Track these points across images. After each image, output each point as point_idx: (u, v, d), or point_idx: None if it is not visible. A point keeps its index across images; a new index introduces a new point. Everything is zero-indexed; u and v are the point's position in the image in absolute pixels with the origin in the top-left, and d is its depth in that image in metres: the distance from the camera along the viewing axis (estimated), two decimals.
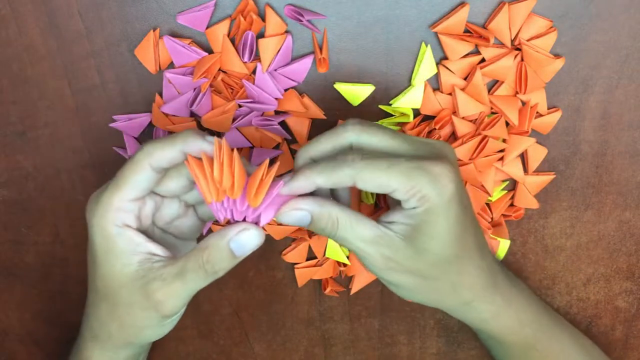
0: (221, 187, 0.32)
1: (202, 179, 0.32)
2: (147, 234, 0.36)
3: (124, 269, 0.35)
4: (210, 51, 0.41)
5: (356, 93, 0.42)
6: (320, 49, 0.41)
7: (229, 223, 0.34)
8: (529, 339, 0.42)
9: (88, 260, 0.37)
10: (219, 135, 0.43)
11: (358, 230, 0.34)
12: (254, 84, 0.41)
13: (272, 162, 0.44)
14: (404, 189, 0.33)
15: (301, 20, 0.39)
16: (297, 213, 0.34)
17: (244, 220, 0.34)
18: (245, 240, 0.34)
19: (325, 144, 0.36)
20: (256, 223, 0.34)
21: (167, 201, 0.37)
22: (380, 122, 0.42)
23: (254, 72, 0.41)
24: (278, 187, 0.33)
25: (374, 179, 0.33)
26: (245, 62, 0.40)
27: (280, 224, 0.45)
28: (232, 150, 0.32)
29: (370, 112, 0.43)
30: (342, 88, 0.42)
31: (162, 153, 0.34)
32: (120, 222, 0.34)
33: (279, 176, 0.35)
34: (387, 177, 0.33)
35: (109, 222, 0.34)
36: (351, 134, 0.35)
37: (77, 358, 0.42)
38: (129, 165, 0.34)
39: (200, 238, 0.43)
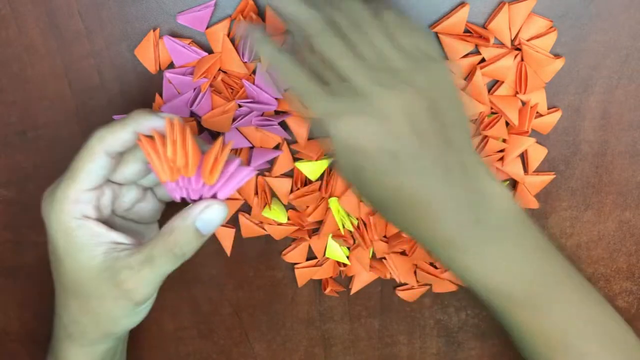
0: (175, 165, 0.31)
1: (156, 158, 0.32)
2: (108, 223, 0.35)
3: (89, 261, 0.34)
4: (210, 51, 0.41)
5: None
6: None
7: (184, 202, 0.33)
8: (534, 298, 0.35)
9: (50, 259, 0.36)
10: (217, 134, 0.43)
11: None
12: (253, 83, 0.41)
13: (271, 162, 0.44)
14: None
15: None
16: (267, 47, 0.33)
17: (200, 198, 0.33)
18: (211, 216, 0.33)
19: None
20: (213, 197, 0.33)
21: (125, 188, 0.36)
22: None
23: (254, 72, 0.41)
24: (234, 164, 0.32)
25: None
26: (246, 62, 0.40)
27: (280, 224, 0.45)
28: (185, 127, 0.31)
29: None
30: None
31: (115, 136, 0.33)
32: (79, 214, 0.33)
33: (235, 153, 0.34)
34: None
35: (67, 216, 0.33)
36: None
37: None
38: (82, 154, 0.33)
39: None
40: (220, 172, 0.32)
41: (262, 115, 0.42)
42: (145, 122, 0.33)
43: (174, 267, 0.34)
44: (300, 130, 0.42)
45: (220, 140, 0.32)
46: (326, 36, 0.32)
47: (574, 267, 0.38)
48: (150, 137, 0.32)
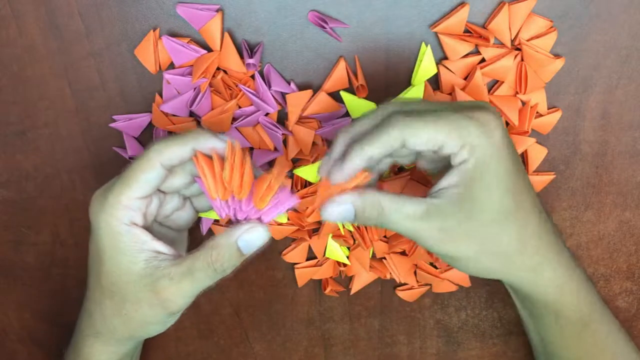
0: (229, 186, 0.33)
1: (210, 176, 0.33)
2: (149, 230, 0.36)
3: (130, 266, 0.35)
4: (209, 49, 0.41)
5: (359, 107, 0.42)
6: (356, 75, 0.41)
7: (229, 220, 0.35)
8: (585, 318, 0.40)
9: (91, 258, 0.37)
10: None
11: (404, 210, 0.33)
12: (252, 87, 0.41)
13: (270, 164, 0.44)
14: (453, 139, 0.32)
15: (325, 27, 0.40)
16: (339, 208, 0.33)
17: (246, 219, 0.34)
18: (253, 238, 0.34)
19: (367, 124, 0.34)
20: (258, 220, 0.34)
21: (169, 196, 0.38)
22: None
23: (252, 76, 0.41)
24: (285, 192, 0.34)
25: (423, 134, 0.32)
26: (249, 63, 0.40)
27: (280, 224, 0.45)
28: (244, 152, 0.33)
29: None
30: (347, 97, 0.42)
31: (174, 151, 0.34)
32: (128, 220, 0.35)
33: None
34: (435, 129, 0.32)
35: (116, 220, 0.35)
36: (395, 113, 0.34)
37: (76, 356, 0.42)
38: (139, 163, 0.34)
39: (196, 235, 0.43)
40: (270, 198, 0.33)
41: (267, 115, 0.42)
42: (206, 142, 0.34)
43: (212, 281, 0.35)
44: (306, 139, 0.42)
45: (276, 168, 0.33)
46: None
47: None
48: (206, 156, 0.34)
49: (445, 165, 0.35)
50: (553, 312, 0.40)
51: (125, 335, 0.39)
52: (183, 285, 0.35)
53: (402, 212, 0.34)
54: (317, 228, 0.46)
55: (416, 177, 0.43)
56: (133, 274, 0.35)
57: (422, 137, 0.32)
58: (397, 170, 0.44)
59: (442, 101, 0.35)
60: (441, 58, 0.42)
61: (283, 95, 0.42)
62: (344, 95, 0.42)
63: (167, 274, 0.35)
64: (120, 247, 0.35)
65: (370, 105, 0.42)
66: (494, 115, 0.33)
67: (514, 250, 0.36)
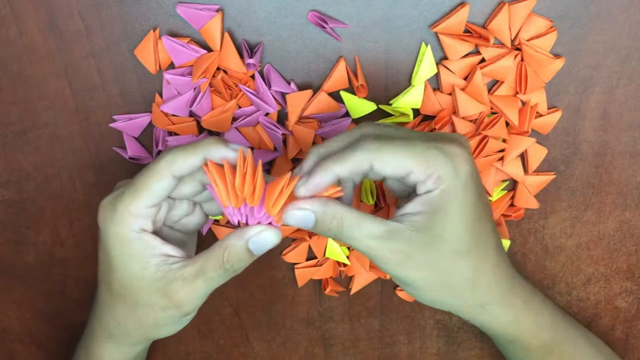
0: (242, 194, 0.33)
1: (222, 185, 0.33)
2: (159, 234, 0.37)
3: (142, 272, 0.35)
4: (209, 49, 0.41)
5: (359, 106, 0.42)
6: (356, 75, 0.41)
7: (228, 221, 0.35)
8: (547, 342, 0.42)
9: (101, 264, 0.38)
10: (217, 134, 0.43)
11: (365, 228, 0.34)
12: (252, 87, 0.41)
13: (270, 163, 0.44)
14: (420, 168, 0.33)
15: (325, 27, 0.40)
16: (300, 213, 0.34)
17: (258, 224, 0.35)
18: (264, 240, 0.34)
19: (339, 143, 0.35)
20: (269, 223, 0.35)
21: (178, 202, 0.38)
22: (379, 122, 0.42)
23: (252, 76, 0.41)
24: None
25: (391, 160, 0.33)
26: (249, 63, 0.40)
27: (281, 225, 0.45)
28: (257, 162, 0.33)
29: (370, 113, 0.43)
30: (347, 97, 0.42)
31: (185, 162, 0.34)
32: (138, 227, 0.35)
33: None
34: (404, 156, 0.33)
35: (126, 228, 0.35)
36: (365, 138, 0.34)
37: (87, 357, 0.42)
38: (149, 173, 0.34)
39: (197, 235, 0.43)
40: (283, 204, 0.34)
41: (267, 115, 0.42)
42: (217, 152, 0.34)
43: (223, 281, 0.36)
44: (305, 139, 0.42)
45: (288, 175, 0.33)
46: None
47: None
48: (217, 164, 0.34)
49: (411, 189, 0.35)
50: (512, 342, 0.42)
51: (139, 337, 0.39)
52: (196, 286, 0.35)
53: (361, 229, 0.34)
54: None
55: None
56: (145, 279, 0.35)
57: (390, 164, 0.33)
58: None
59: (416, 130, 0.36)
60: (441, 58, 0.42)
61: (283, 95, 0.42)
62: (344, 95, 0.42)
63: (179, 276, 0.35)
64: (131, 254, 0.35)
65: (371, 105, 0.42)
66: (463, 149, 0.34)
67: (465, 286, 0.36)
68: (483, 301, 0.38)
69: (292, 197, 0.34)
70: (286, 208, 0.34)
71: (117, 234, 0.35)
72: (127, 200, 0.35)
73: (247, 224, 0.35)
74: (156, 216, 0.36)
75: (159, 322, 0.38)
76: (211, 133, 0.43)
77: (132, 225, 0.35)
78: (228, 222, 0.45)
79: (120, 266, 0.36)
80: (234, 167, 0.33)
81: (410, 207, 0.34)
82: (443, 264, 0.35)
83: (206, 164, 0.34)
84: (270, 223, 0.34)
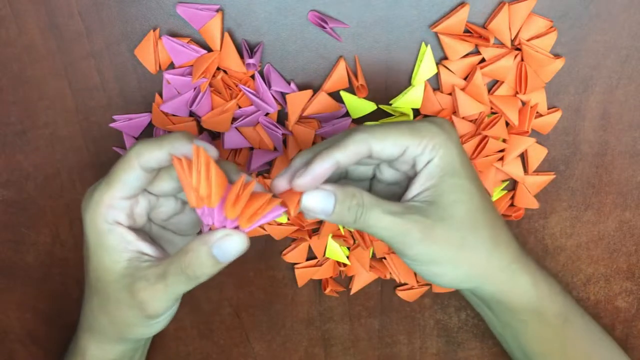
0: (198, 195, 0.31)
1: (186, 183, 0.32)
2: (143, 231, 0.36)
3: (113, 265, 0.35)
4: (208, 49, 0.41)
5: (359, 107, 0.42)
6: (356, 75, 0.41)
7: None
8: (563, 311, 0.41)
9: (83, 254, 0.37)
10: (217, 134, 0.43)
11: (384, 205, 0.34)
12: (252, 87, 0.41)
13: (270, 164, 0.44)
14: (415, 141, 0.33)
15: (325, 27, 0.40)
16: (320, 193, 0.33)
17: (224, 227, 0.32)
18: (228, 246, 0.32)
19: (331, 141, 0.35)
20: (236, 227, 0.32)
21: (163, 199, 0.37)
22: (380, 121, 0.42)
23: (252, 76, 0.41)
24: (270, 205, 0.32)
25: (387, 138, 0.33)
26: (249, 63, 0.40)
27: (280, 224, 0.45)
28: (209, 158, 0.31)
29: (370, 113, 0.43)
30: (347, 97, 0.42)
31: (151, 154, 0.33)
32: (111, 219, 0.35)
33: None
34: (398, 132, 0.33)
35: (100, 218, 0.34)
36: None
37: (74, 347, 0.42)
38: (120, 164, 0.34)
39: None
40: (244, 208, 0.32)
41: (267, 115, 0.42)
42: (180, 147, 0.33)
43: (186, 288, 0.34)
44: (306, 139, 0.42)
45: (242, 177, 0.32)
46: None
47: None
48: (188, 160, 0.33)
49: (406, 179, 0.36)
50: (533, 312, 0.40)
51: (112, 335, 0.38)
52: (157, 289, 0.34)
53: (382, 207, 0.34)
54: (317, 228, 0.46)
55: None
56: (115, 272, 0.35)
57: (387, 142, 0.33)
58: None
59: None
60: (441, 58, 0.42)
61: (283, 95, 0.42)
62: (344, 95, 0.42)
63: (144, 276, 0.34)
64: (104, 245, 0.35)
65: (371, 105, 0.42)
66: (447, 121, 0.35)
67: (488, 252, 0.36)
68: (505, 261, 0.37)
69: (258, 201, 0.32)
70: (304, 194, 0.32)
71: (92, 223, 0.35)
72: (100, 189, 0.34)
73: (215, 228, 0.33)
74: (133, 210, 0.35)
75: (127, 321, 0.36)
76: (211, 133, 0.43)
77: (106, 215, 0.34)
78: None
79: (94, 256, 0.35)
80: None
81: (416, 186, 0.35)
82: (461, 234, 0.35)
83: (174, 162, 0.33)
84: (237, 227, 0.32)
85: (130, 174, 0.34)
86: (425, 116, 0.42)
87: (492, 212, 0.37)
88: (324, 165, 0.33)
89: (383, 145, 0.33)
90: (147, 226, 0.37)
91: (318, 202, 0.33)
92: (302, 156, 0.35)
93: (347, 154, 0.33)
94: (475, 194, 0.35)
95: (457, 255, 0.35)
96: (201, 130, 0.43)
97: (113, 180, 0.34)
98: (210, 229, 0.33)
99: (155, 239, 0.38)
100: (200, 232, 0.44)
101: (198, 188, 0.31)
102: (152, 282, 0.34)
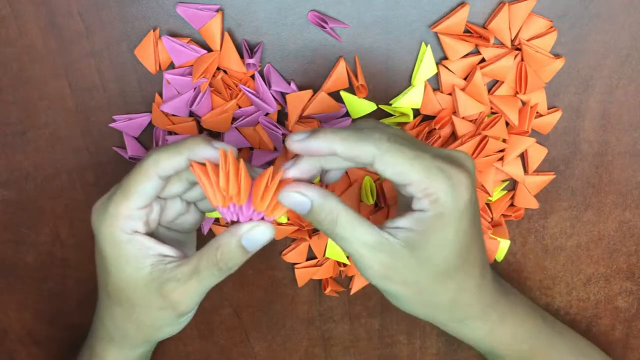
0: (227, 194, 0.33)
1: (208, 185, 0.33)
2: (154, 235, 0.37)
3: (136, 273, 0.35)
4: (209, 49, 0.41)
5: (359, 107, 0.42)
6: (356, 75, 0.41)
7: (233, 222, 0.35)
8: (525, 354, 0.42)
9: (98, 268, 0.38)
10: (217, 134, 0.43)
11: (358, 232, 0.33)
12: (252, 87, 0.41)
13: (270, 164, 0.44)
14: (420, 185, 0.32)
15: (325, 27, 0.40)
16: (298, 197, 0.33)
17: (251, 220, 0.34)
18: (257, 236, 0.34)
19: (349, 130, 0.34)
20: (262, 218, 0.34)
21: (170, 201, 0.38)
22: (390, 121, 0.42)
23: (252, 76, 0.41)
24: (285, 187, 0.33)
25: (395, 165, 0.32)
26: (249, 63, 0.40)
27: (280, 224, 0.45)
28: (238, 159, 0.33)
29: (370, 113, 0.43)
30: (347, 97, 0.42)
31: (169, 162, 0.34)
32: (130, 229, 0.35)
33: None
34: (410, 167, 0.31)
35: (118, 230, 0.35)
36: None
37: (90, 355, 0.42)
38: (136, 174, 0.34)
39: (197, 235, 0.43)
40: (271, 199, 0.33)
41: (267, 115, 0.42)
42: (200, 152, 0.33)
43: (218, 280, 0.35)
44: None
45: (270, 168, 0.33)
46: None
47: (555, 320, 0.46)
48: (203, 164, 0.33)
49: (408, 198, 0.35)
50: (489, 353, 0.42)
51: (139, 339, 0.39)
52: (190, 286, 0.35)
53: (354, 233, 0.33)
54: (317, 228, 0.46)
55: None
56: (140, 280, 0.35)
57: (392, 168, 0.32)
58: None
59: (426, 144, 0.35)
60: (441, 58, 0.42)
61: (283, 95, 0.42)
62: (344, 95, 0.42)
63: (173, 276, 0.35)
64: (124, 256, 0.35)
65: (371, 105, 0.42)
66: (468, 175, 0.33)
67: (446, 305, 0.37)
68: (462, 317, 0.38)
69: (282, 188, 0.33)
70: (284, 188, 0.33)
71: (110, 236, 0.35)
72: (116, 202, 0.34)
73: (239, 222, 0.34)
74: (149, 217, 0.36)
75: (157, 324, 0.37)
76: (211, 133, 0.43)
77: (124, 226, 0.35)
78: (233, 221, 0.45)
79: (115, 269, 0.35)
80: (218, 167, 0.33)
81: (403, 222, 0.33)
82: (428, 284, 0.35)
83: (192, 165, 0.33)
84: (262, 218, 0.34)
85: (147, 184, 0.34)
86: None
87: (468, 265, 0.36)
88: (321, 145, 0.32)
89: (386, 170, 0.32)
90: (156, 229, 0.38)
91: (292, 204, 0.33)
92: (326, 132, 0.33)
93: (348, 151, 0.32)
94: (456, 253, 0.34)
95: (416, 300, 0.36)
96: (201, 130, 0.43)
97: (129, 191, 0.34)
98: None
99: (162, 240, 0.38)
100: (199, 229, 0.44)
101: (227, 188, 0.32)
102: (183, 281, 0.35)
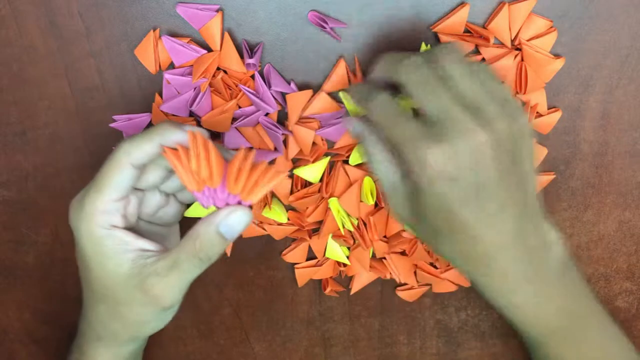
0: (199, 177, 0.32)
1: (182, 169, 0.33)
2: (134, 230, 0.36)
3: (117, 269, 0.35)
4: (209, 49, 0.41)
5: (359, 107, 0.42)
6: (356, 75, 0.41)
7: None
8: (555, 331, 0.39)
9: (79, 265, 0.37)
10: (217, 134, 0.43)
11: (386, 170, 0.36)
12: (252, 87, 0.41)
13: (270, 163, 0.44)
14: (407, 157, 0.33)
15: (325, 27, 0.40)
16: (358, 126, 0.37)
17: (227, 205, 0.34)
18: (234, 222, 0.33)
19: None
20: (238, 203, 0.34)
21: (149, 194, 0.37)
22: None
23: (252, 76, 0.41)
24: (258, 170, 0.33)
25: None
26: (249, 63, 0.40)
27: (280, 224, 0.45)
28: (207, 140, 0.32)
29: None
30: (347, 97, 0.42)
31: (141, 150, 0.34)
32: (107, 224, 0.34)
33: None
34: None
35: (95, 226, 0.34)
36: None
37: (79, 356, 0.42)
38: (108, 166, 0.34)
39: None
40: (245, 180, 0.33)
41: (267, 115, 0.42)
42: (170, 136, 0.33)
43: (200, 271, 0.35)
44: (305, 139, 0.42)
45: (242, 150, 0.32)
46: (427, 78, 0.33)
47: (600, 306, 0.41)
48: (175, 149, 0.33)
49: None
50: (538, 332, 0.39)
51: (126, 336, 0.39)
52: (171, 279, 0.34)
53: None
54: (317, 228, 0.46)
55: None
56: (121, 276, 0.35)
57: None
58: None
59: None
60: None
61: (283, 95, 0.42)
62: (343, 95, 0.42)
63: (154, 271, 0.34)
64: (104, 252, 0.35)
65: None
66: (439, 151, 0.31)
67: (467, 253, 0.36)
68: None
69: (256, 171, 0.33)
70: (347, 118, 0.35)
71: (88, 232, 0.34)
72: (92, 196, 0.34)
73: (218, 207, 0.34)
74: (126, 210, 0.35)
75: (141, 319, 0.37)
76: (211, 133, 0.43)
77: (101, 222, 0.34)
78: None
79: (96, 265, 0.35)
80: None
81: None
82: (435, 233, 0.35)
83: (165, 151, 0.33)
84: (240, 203, 0.33)
85: (121, 175, 0.34)
86: None
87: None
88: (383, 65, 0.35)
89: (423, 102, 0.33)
90: (136, 223, 0.37)
91: (353, 128, 0.36)
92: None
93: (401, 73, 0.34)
94: (444, 211, 0.33)
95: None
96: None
97: (103, 184, 0.34)
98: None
99: (143, 234, 0.38)
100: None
101: (199, 171, 0.32)
102: (164, 275, 0.34)
